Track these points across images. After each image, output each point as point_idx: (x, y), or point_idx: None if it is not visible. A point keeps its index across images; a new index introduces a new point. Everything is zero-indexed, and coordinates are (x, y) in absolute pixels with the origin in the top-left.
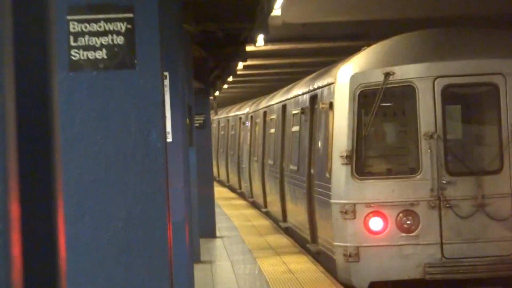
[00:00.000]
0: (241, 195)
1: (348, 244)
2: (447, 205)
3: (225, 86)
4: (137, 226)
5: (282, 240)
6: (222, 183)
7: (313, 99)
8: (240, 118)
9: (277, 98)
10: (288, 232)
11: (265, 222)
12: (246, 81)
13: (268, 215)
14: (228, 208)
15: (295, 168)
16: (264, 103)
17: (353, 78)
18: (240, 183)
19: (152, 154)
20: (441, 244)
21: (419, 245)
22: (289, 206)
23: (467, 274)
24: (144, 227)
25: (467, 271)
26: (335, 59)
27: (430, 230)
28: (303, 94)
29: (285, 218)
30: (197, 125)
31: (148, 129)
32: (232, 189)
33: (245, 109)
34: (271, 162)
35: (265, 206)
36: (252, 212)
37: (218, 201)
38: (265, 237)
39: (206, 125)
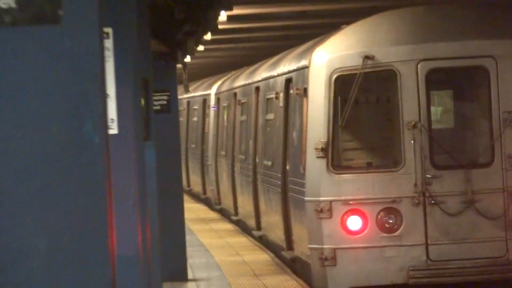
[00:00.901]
0: (206, 202)
1: (324, 246)
2: (433, 201)
3: (201, 48)
4: (63, 263)
5: (288, 283)
6: (197, 197)
7: (289, 82)
8: (205, 100)
9: (250, 77)
10: (263, 241)
11: (261, 256)
12: (233, 41)
13: (239, 224)
14: (206, 236)
15: (269, 163)
16: (235, 81)
17: (329, 61)
18: (205, 187)
19: (86, 155)
20: (426, 245)
21: (402, 246)
22: (263, 210)
23: (455, 277)
24: (74, 265)
25: (455, 275)
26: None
27: (414, 229)
28: (278, 75)
29: (259, 225)
30: (158, 107)
31: (80, 117)
32: (210, 204)
33: (212, 88)
34: (242, 157)
35: (236, 213)
36: (241, 240)
37: (190, 225)
38: (262, 279)
39: (171, 107)
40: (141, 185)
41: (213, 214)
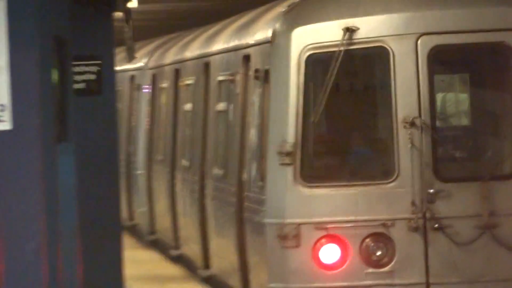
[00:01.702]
0: (134, 232)
1: (289, 286)
2: (437, 226)
3: None
4: None
5: None
6: (139, 236)
7: (248, 61)
8: (133, 78)
9: (203, 45)
10: (212, 283)
11: None
12: None
13: (182, 261)
14: None
15: (221, 172)
16: (180, 50)
17: (298, 35)
18: (131, 208)
19: None
20: (427, 284)
21: (395, 286)
22: (213, 237)
23: None
24: None
25: None
26: None
27: (410, 263)
28: (234, 49)
29: (207, 261)
30: (81, 86)
31: None
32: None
33: (144, 59)
34: (186, 163)
35: (177, 246)
36: None
37: None
38: None
39: (103, 86)
40: (50, 217)
41: (171, 269)
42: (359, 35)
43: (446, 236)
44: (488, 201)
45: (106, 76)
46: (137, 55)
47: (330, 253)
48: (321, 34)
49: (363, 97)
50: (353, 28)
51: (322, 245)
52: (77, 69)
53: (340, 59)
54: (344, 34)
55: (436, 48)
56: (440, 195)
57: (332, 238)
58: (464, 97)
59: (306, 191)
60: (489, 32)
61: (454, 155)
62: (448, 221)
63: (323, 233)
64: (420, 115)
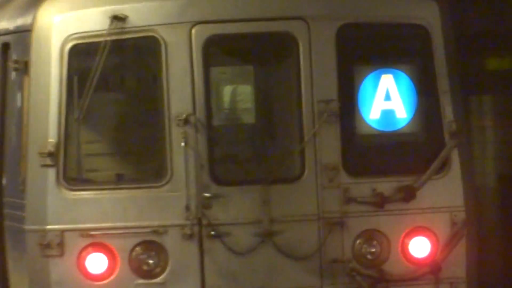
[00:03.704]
0: None
1: None
2: (213, 233)
3: None
4: None
5: None
6: None
7: (7, 49)
8: None
9: None
10: None
11: None
12: None
13: None
14: None
15: None
16: None
17: (60, 23)
18: None
19: None
20: None
21: None
22: None
23: None
24: None
25: None
26: None
27: (185, 274)
28: (2, 34)
29: None
30: None
31: None
32: None
33: None
34: None
35: None
36: None
37: None
38: None
39: None
40: None
41: None
42: (128, 23)
43: (223, 244)
44: (269, 206)
45: None
46: None
47: (96, 262)
48: (85, 22)
49: (133, 92)
50: (121, 16)
51: (88, 253)
52: None
53: (106, 50)
54: (111, 23)
55: (212, 38)
56: (217, 199)
57: (98, 246)
58: (246, 92)
59: (70, 194)
60: (273, 21)
61: (233, 156)
62: (226, 228)
63: (89, 240)
64: (194, 112)
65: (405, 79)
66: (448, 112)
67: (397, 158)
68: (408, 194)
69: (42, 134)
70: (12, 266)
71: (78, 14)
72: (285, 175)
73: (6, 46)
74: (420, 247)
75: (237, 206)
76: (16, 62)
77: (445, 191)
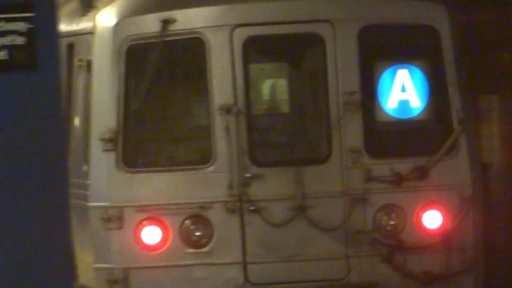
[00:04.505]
0: None
1: (113, 266)
2: (252, 208)
3: None
4: None
5: None
6: None
7: (72, 49)
8: (71, 47)
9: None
10: None
11: None
12: None
13: None
14: None
15: None
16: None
17: (118, 27)
18: None
19: None
20: (245, 264)
21: (214, 265)
22: None
23: None
24: None
25: None
26: None
27: (228, 244)
28: (67, 35)
29: None
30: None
31: None
32: None
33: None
34: None
35: None
36: None
37: None
38: None
39: (39, 56)
40: None
41: None
42: (177, 26)
43: (261, 217)
44: (302, 184)
45: (43, 38)
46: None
47: (151, 234)
48: (141, 26)
49: (182, 86)
50: (170, 19)
51: (143, 226)
52: None
53: (159, 50)
54: (163, 26)
55: (251, 38)
56: (256, 179)
57: (153, 220)
58: (281, 85)
59: (128, 176)
60: (303, 24)
61: (269, 141)
62: (264, 204)
63: (145, 215)
64: (236, 103)
65: (418, 73)
66: (456, 101)
67: (412, 142)
68: (421, 173)
69: (104, 123)
70: (78, 240)
71: (135, 19)
72: (315, 157)
73: (71, 46)
74: (432, 219)
75: (273, 185)
76: (80, 60)
77: (454, 170)
